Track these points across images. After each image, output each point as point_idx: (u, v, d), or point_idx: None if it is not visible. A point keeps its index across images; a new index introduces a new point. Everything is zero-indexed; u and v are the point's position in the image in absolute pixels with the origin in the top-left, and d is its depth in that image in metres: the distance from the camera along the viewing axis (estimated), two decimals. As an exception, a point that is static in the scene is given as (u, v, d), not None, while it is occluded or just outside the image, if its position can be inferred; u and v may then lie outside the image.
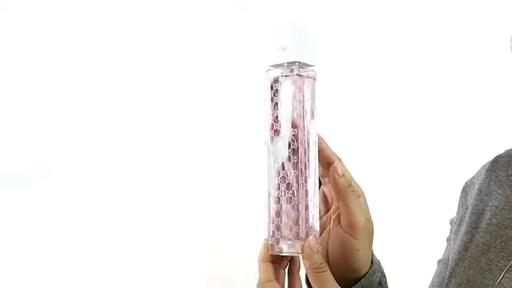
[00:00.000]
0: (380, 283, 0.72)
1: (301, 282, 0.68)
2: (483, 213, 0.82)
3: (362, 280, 0.69)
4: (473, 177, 0.89)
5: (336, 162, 0.67)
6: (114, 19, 1.82)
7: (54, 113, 1.83)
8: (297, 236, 0.64)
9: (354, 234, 0.66)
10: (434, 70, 1.70)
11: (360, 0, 1.76)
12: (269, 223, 0.65)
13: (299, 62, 0.65)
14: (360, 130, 1.76)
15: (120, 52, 1.83)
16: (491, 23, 1.35)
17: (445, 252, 0.90)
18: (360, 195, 0.68)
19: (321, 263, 0.63)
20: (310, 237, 0.64)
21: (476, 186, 0.86)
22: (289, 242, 0.65)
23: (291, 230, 0.65)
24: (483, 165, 0.88)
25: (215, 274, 1.84)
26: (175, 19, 1.83)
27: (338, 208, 0.69)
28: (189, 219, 1.85)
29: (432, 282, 0.89)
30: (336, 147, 1.70)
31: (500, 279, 0.74)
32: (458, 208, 0.89)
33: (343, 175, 0.66)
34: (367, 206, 0.69)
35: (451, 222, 0.90)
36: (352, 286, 0.69)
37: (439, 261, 0.90)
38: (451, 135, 1.68)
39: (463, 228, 0.84)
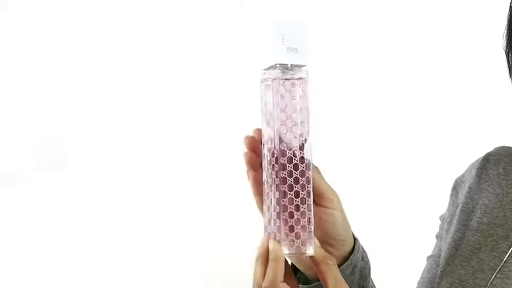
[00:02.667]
0: (363, 258, 0.75)
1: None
2: (473, 211, 0.82)
3: (352, 256, 0.72)
4: (463, 175, 0.89)
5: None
6: (114, 18, 1.82)
7: (52, 114, 1.84)
8: (311, 236, 0.66)
9: (332, 206, 0.69)
10: (425, 68, 1.70)
11: (358, 0, 1.75)
12: (284, 226, 0.65)
13: (291, 64, 0.65)
14: (352, 129, 1.76)
15: (120, 51, 1.83)
16: (486, 23, 1.35)
17: (434, 248, 0.90)
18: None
19: (329, 256, 0.66)
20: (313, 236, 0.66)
21: (467, 184, 0.86)
22: (308, 242, 0.66)
23: (306, 231, 0.66)
24: (473, 163, 0.88)
25: (216, 276, 1.84)
26: (174, 18, 1.83)
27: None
28: (191, 221, 1.85)
29: (422, 278, 0.90)
30: (330, 145, 1.69)
31: (492, 280, 0.73)
32: (449, 205, 0.89)
33: None
34: None
35: (441, 219, 0.90)
36: (345, 262, 0.72)
37: (429, 258, 0.90)
38: (441, 132, 1.68)
39: (454, 226, 0.84)
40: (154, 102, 1.85)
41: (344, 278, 0.71)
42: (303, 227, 0.66)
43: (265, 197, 0.67)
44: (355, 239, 0.73)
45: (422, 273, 0.90)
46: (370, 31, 1.74)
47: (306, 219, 0.66)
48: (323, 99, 1.69)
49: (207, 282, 1.86)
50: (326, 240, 0.71)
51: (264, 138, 0.67)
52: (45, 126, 1.83)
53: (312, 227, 0.66)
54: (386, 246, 1.56)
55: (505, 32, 0.79)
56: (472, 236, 0.80)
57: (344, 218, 0.70)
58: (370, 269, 0.77)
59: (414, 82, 1.71)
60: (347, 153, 1.73)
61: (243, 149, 0.68)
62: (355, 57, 1.74)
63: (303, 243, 0.65)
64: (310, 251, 0.66)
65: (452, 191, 0.89)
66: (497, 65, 0.82)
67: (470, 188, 0.85)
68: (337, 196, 0.70)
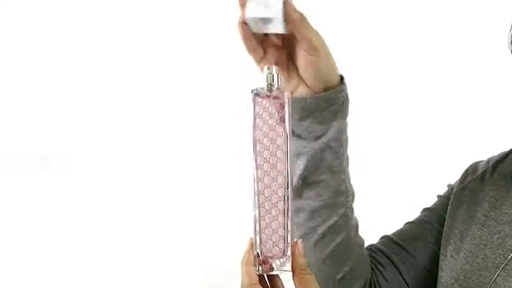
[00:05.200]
0: (343, 103, 0.76)
1: None
2: (481, 203, 0.82)
3: (331, 91, 0.74)
4: (480, 162, 0.89)
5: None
6: (114, 18, 1.82)
7: (51, 113, 1.84)
8: (285, 254, 0.66)
9: (316, 52, 0.71)
10: (427, 68, 1.69)
11: (357, 2, 1.75)
12: (257, 242, 0.66)
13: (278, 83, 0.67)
14: (359, 129, 1.75)
15: (119, 51, 1.83)
16: (486, 22, 1.34)
17: (435, 203, 0.91)
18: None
19: (304, 267, 0.65)
20: (299, 241, 0.66)
21: (480, 171, 0.86)
22: (279, 260, 0.66)
23: (280, 249, 0.66)
24: (495, 155, 0.88)
25: (215, 272, 1.84)
26: (175, 18, 1.83)
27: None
28: (191, 218, 1.85)
29: (416, 222, 0.89)
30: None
31: (495, 278, 0.73)
32: (457, 182, 0.89)
33: (295, 8, 0.70)
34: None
35: (449, 187, 0.90)
36: (323, 94, 0.74)
37: (425, 209, 0.91)
38: (448, 133, 1.67)
39: (460, 215, 0.84)
40: (152, 102, 1.84)
41: (318, 111, 0.75)
42: (282, 246, 0.66)
43: (254, 215, 0.68)
44: (342, 83, 0.75)
45: (414, 218, 0.91)
46: (370, 32, 1.73)
47: (289, 237, 0.66)
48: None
49: (207, 281, 1.86)
50: (306, 79, 0.74)
51: None
52: (45, 126, 1.83)
53: (289, 242, 0.66)
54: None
55: (510, 32, 0.79)
56: (478, 230, 0.79)
57: (328, 63, 0.73)
58: (346, 117, 0.78)
59: (423, 85, 1.71)
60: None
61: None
62: (356, 56, 1.74)
63: (283, 263, 0.66)
64: (285, 268, 0.66)
65: (464, 172, 0.89)
66: (507, 66, 0.81)
67: (482, 177, 0.85)
68: (323, 44, 0.72)
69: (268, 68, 0.67)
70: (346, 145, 0.79)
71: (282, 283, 0.68)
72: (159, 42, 1.83)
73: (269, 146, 0.66)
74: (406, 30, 1.72)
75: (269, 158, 0.66)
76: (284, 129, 0.66)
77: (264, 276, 0.67)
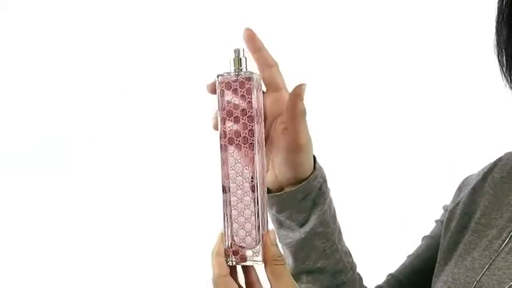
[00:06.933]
0: (321, 188, 0.75)
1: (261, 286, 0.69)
2: (475, 214, 0.83)
3: (304, 183, 0.73)
4: (471, 176, 0.90)
5: (302, 84, 0.69)
6: (114, 18, 1.83)
7: (52, 113, 1.84)
8: (257, 244, 0.65)
9: (300, 151, 0.71)
10: (426, 69, 1.69)
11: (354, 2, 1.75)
12: (228, 232, 0.65)
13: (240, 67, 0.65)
14: (359, 132, 1.75)
15: (120, 51, 1.83)
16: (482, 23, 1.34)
17: (432, 230, 0.91)
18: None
19: (280, 256, 0.65)
20: (271, 230, 0.65)
21: (472, 185, 0.86)
22: (252, 251, 0.65)
23: (252, 238, 0.65)
24: (483, 167, 0.88)
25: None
26: (174, 18, 1.84)
27: (283, 122, 0.71)
28: (191, 218, 1.85)
29: (413, 252, 0.90)
30: (335, 145, 1.67)
31: (480, 277, 0.74)
32: (451, 201, 0.90)
33: (303, 99, 0.69)
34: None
35: (444, 208, 0.91)
36: (297, 187, 0.73)
37: (424, 238, 0.92)
38: (442, 134, 1.67)
39: (454, 226, 0.84)
40: (153, 103, 1.85)
41: (296, 203, 0.73)
42: (254, 235, 0.65)
43: (224, 204, 0.68)
44: (315, 168, 0.74)
45: (417, 250, 0.91)
46: (368, 32, 1.73)
47: (261, 227, 0.65)
48: (323, 99, 1.69)
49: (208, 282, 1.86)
50: (279, 172, 0.73)
51: None
52: (45, 126, 1.84)
53: (260, 234, 0.65)
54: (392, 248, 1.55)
55: (495, 36, 0.78)
56: (469, 236, 0.80)
57: (307, 161, 0.71)
58: (327, 198, 0.76)
59: (422, 87, 1.71)
60: (348, 153, 1.72)
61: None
62: (355, 57, 1.74)
63: (256, 253, 0.65)
64: (258, 258, 0.65)
65: (457, 189, 0.90)
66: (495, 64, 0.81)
67: (474, 189, 0.85)
68: (309, 142, 0.71)
69: (235, 51, 0.65)
70: (335, 219, 0.78)
71: (256, 273, 0.68)
72: (159, 43, 1.84)
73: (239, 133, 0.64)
74: (406, 31, 1.72)
75: (240, 145, 0.65)
76: (253, 114, 0.64)
77: (235, 267, 0.66)
